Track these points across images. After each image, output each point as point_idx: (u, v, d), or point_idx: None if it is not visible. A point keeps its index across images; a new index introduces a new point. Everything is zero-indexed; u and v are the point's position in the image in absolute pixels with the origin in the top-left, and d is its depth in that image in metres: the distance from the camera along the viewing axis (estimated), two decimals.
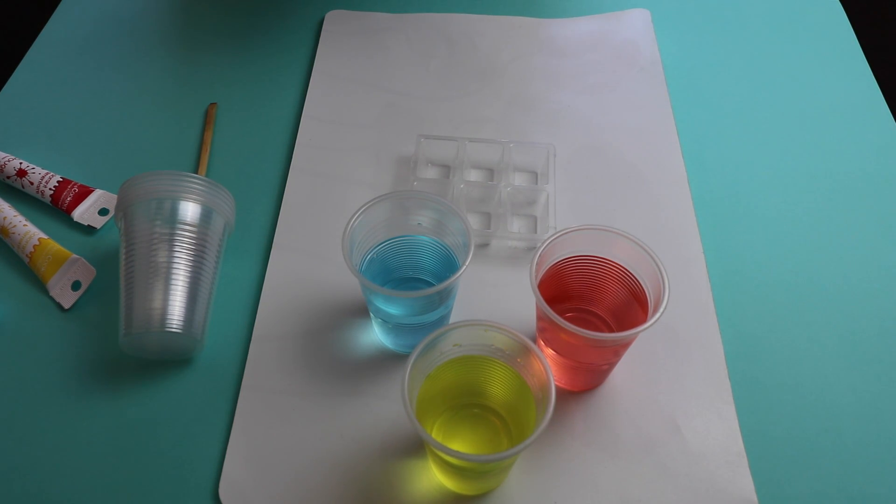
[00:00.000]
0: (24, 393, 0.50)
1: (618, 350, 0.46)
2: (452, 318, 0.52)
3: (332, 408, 0.49)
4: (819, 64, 0.70)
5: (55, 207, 0.59)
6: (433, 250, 0.50)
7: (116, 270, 0.51)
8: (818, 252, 0.57)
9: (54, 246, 0.55)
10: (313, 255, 0.56)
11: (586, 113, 0.66)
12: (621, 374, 0.50)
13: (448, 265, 0.50)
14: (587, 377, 0.49)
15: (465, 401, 0.46)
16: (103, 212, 0.59)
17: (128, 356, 0.51)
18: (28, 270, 0.56)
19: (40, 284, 0.55)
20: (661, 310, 0.41)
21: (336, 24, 0.73)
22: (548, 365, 0.39)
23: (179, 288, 0.49)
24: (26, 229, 0.56)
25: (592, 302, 0.50)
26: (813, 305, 0.54)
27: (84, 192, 0.59)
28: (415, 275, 0.52)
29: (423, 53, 0.71)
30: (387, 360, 0.51)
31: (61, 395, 0.50)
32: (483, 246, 0.57)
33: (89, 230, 0.58)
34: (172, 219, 0.49)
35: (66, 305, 0.54)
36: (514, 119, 0.65)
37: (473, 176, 0.62)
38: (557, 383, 0.49)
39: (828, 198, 0.60)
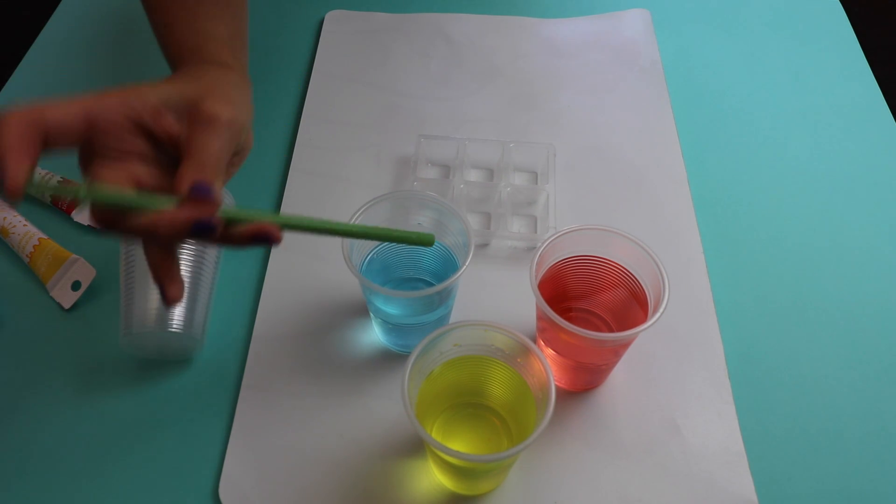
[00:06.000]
0: (24, 392, 0.50)
1: (618, 350, 0.46)
2: (452, 318, 0.52)
3: (332, 408, 0.49)
4: (819, 64, 0.70)
5: (55, 207, 0.59)
6: (433, 250, 0.50)
7: (116, 270, 0.51)
8: (818, 252, 0.57)
9: (54, 246, 0.55)
10: (313, 255, 0.56)
11: (586, 113, 0.66)
12: (621, 374, 0.50)
13: (448, 265, 0.50)
14: (587, 377, 0.49)
15: (464, 400, 0.46)
16: None
17: (128, 356, 0.51)
18: (28, 270, 0.56)
19: (40, 284, 0.55)
20: (661, 310, 0.41)
21: (336, 24, 0.73)
22: (548, 365, 0.39)
23: None
24: (26, 229, 0.56)
25: (592, 302, 0.50)
26: (813, 305, 0.54)
27: None
28: (415, 275, 0.52)
29: (423, 53, 0.71)
30: (387, 360, 0.51)
31: (61, 394, 0.50)
32: (483, 246, 0.57)
33: (89, 230, 0.58)
34: None
35: (66, 305, 0.54)
36: (514, 119, 0.65)
37: (473, 176, 0.62)
38: (557, 383, 0.49)
39: (828, 198, 0.60)
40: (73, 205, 0.58)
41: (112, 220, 0.35)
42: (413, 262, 0.52)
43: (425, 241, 0.40)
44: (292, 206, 0.59)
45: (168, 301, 0.38)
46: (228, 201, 0.53)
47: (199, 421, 0.49)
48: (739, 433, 0.48)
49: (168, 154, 0.38)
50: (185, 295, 0.49)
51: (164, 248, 0.38)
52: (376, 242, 0.49)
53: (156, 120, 0.36)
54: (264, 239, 0.37)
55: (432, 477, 0.46)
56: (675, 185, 0.60)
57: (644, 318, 0.44)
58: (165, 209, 0.35)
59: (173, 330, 0.48)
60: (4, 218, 0.57)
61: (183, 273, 0.48)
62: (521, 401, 0.43)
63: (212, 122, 0.36)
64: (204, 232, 0.35)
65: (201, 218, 0.35)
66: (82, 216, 0.58)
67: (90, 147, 0.36)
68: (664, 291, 0.42)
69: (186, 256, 0.49)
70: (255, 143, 0.64)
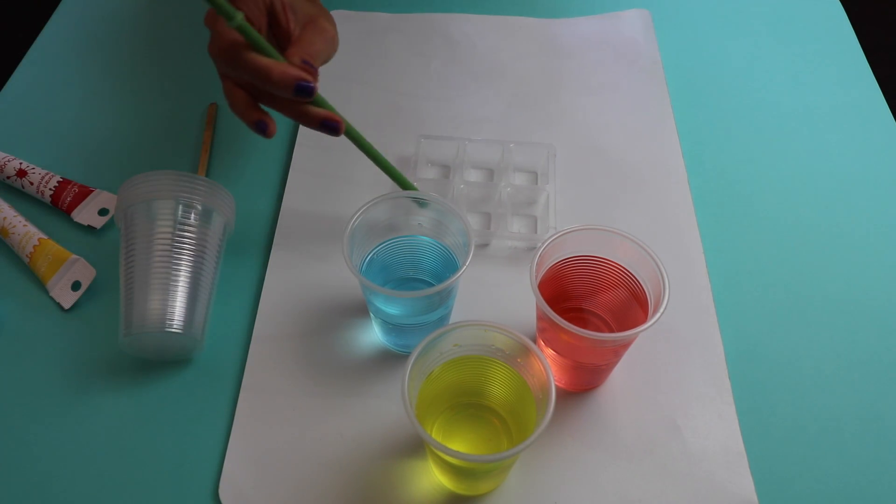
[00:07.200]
0: (24, 393, 0.50)
1: (618, 350, 0.46)
2: (452, 318, 0.52)
3: (332, 408, 0.49)
4: (819, 64, 0.70)
5: (55, 207, 0.59)
6: (433, 250, 0.50)
7: (116, 270, 0.51)
8: (818, 252, 0.57)
9: (54, 246, 0.55)
10: (313, 255, 0.56)
11: (586, 113, 0.66)
12: (621, 374, 0.50)
13: (448, 265, 0.50)
14: (587, 377, 0.49)
15: (464, 401, 0.46)
16: (103, 212, 0.59)
17: (128, 356, 0.51)
18: (28, 270, 0.56)
19: (40, 284, 0.55)
20: (661, 310, 0.41)
21: (336, 24, 0.73)
22: (548, 365, 0.39)
23: (179, 288, 0.49)
24: (26, 229, 0.56)
25: (592, 302, 0.50)
26: (813, 305, 0.54)
27: (84, 192, 0.59)
28: (415, 275, 0.52)
29: (423, 53, 0.71)
30: (387, 360, 0.51)
31: (61, 395, 0.50)
32: (483, 246, 0.57)
33: (89, 230, 0.58)
34: (172, 219, 0.49)
35: (66, 305, 0.54)
36: (514, 119, 0.65)
37: (473, 176, 0.62)
38: (557, 383, 0.49)
39: (828, 198, 0.60)
40: (73, 205, 0.58)
41: (234, 55, 0.45)
42: (413, 263, 0.52)
43: (408, 186, 0.54)
44: (292, 205, 0.59)
45: (265, 132, 0.48)
46: (229, 202, 0.53)
47: (199, 421, 0.49)
48: (739, 433, 0.48)
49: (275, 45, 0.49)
50: (185, 295, 0.49)
51: (252, 97, 0.48)
52: (377, 242, 0.49)
53: (282, 11, 0.49)
54: (331, 126, 0.47)
55: (432, 477, 0.46)
56: (675, 185, 0.60)
57: (644, 318, 0.44)
58: (283, 62, 0.45)
59: (173, 330, 0.48)
60: (4, 218, 0.57)
61: (183, 273, 0.49)
62: (521, 401, 0.43)
63: (323, 31, 0.50)
64: (304, 91, 0.45)
65: (307, 78, 0.45)
66: (82, 216, 0.58)
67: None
68: (664, 291, 0.42)
69: (186, 256, 0.49)
70: (254, 142, 0.65)
